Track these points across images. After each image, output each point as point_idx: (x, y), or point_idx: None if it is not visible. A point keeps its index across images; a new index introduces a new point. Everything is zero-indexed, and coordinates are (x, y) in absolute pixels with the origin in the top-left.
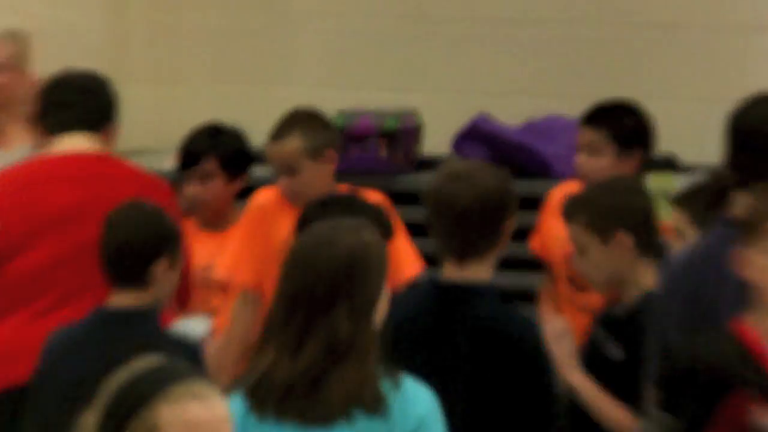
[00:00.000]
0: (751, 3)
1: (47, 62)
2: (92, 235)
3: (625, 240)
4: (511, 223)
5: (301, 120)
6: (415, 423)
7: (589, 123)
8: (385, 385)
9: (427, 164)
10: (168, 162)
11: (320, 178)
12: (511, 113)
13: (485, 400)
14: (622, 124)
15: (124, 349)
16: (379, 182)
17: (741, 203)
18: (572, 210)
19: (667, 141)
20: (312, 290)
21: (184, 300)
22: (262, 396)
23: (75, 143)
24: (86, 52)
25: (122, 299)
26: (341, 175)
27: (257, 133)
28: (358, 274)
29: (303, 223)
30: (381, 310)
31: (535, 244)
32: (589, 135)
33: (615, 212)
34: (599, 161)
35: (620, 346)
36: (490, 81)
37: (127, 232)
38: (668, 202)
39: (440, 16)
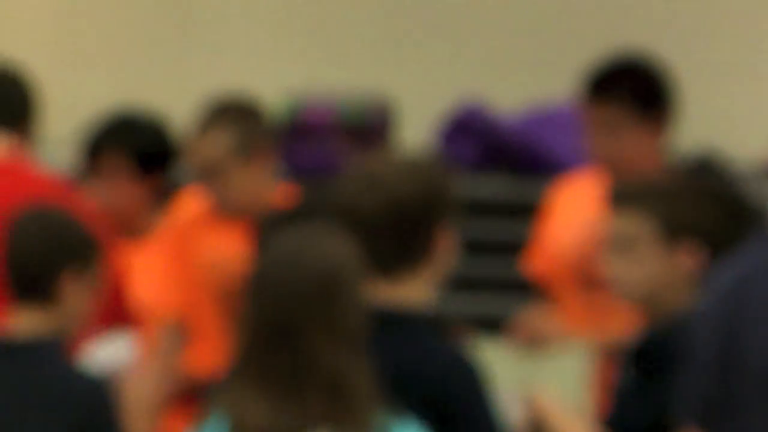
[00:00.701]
0: None
1: None
2: None
3: (694, 254)
4: (446, 233)
5: (230, 111)
6: None
7: (597, 96)
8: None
9: None
10: (64, 154)
11: (254, 182)
12: (507, 97)
13: None
14: (638, 88)
15: (19, 393)
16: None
17: None
18: (637, 200)
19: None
20: (286, 318)
21: (116, 320)
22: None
23: None
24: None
25: (24, 320)
26: (288, 176)
27: (178, 120)
28: (334, 295)
29: (260, 244)
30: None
31: (529, 264)
32: (601, 110)
33: (697, 218)
34: (619, 140)
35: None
36: (479, 56)
37: (28, 240)
38: None
39: None
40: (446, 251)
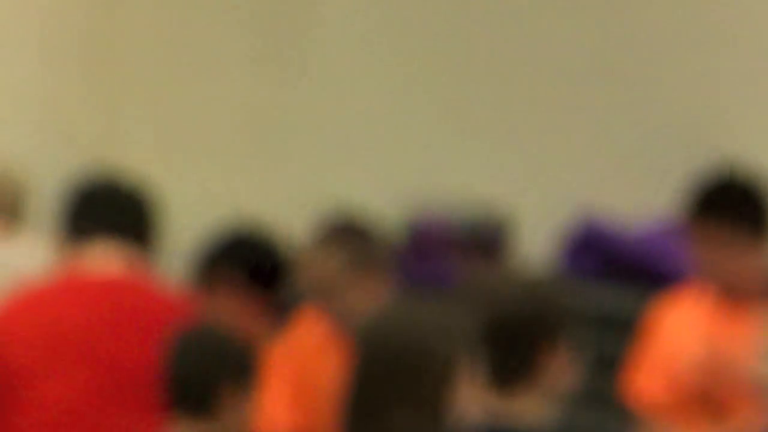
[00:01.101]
0: None
1: None
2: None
3: None
4: (560, 349)
5: (345, 227)
6: None
7: (708, 215)
8: None
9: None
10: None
11: (369, 300)
12: (627, 208)
13: None
14: (748, 207)
15: None
16: None
17: None
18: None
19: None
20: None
21: None
22: None
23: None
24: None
25: None
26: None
27: (286, 231)
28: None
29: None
30: None
31: (634, 383)
32: (712, 229)
33: None
34: (729, 257)
35: None
36: (598, 165)
37: (190, 355)
38: None
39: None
40: (561, 368)
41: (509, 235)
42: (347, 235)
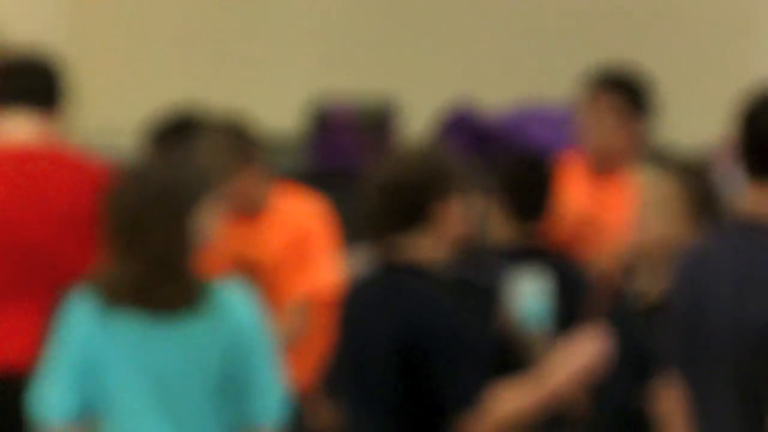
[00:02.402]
0: None
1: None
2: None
3: None
4: (451, 205)
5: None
6: (234, 325)
7: (606, 87)
8: (200, 287)
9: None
10: (127, 141)
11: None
12: (499, 97)
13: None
14: (635, 89)
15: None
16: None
17: (752, 201)
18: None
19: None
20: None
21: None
22: (113, 294)
23: (19, 128)
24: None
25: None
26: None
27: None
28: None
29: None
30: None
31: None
32: (605, 100)
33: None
34: (616, 129)
35: None
36: (475, 61)
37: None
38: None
39: None
40: (453, 220)
41: (397, 119)
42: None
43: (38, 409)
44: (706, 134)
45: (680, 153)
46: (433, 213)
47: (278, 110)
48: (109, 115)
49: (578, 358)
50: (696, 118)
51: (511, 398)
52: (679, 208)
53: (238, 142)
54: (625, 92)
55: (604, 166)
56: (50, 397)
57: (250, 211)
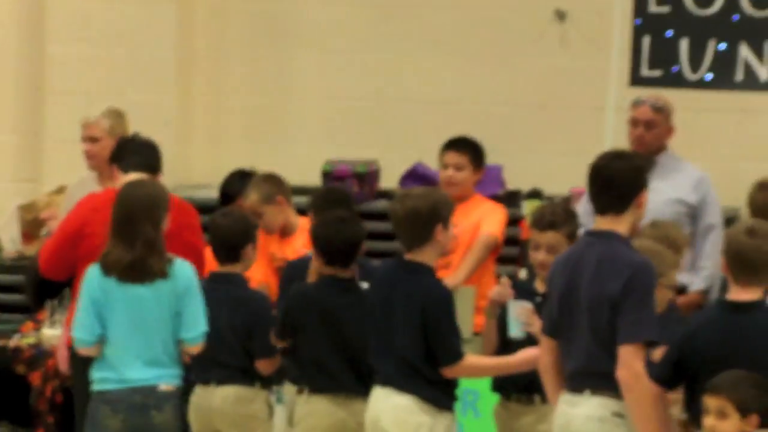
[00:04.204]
0: (601, 88)
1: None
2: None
3: None
4: (443, 229)
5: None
6: (185, 284)
7: (455, 149)
8: (167, 263)
9: (384, 195)
10: (213, 193)
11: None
12: (432, 163)
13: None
14: (477, 150)
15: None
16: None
17: (599, 223)
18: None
19: (535, 179)
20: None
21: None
22: (111, 268)
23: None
24: (160, 124)
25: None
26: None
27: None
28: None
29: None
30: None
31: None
32: (456, 157)
33: None
34: (463, 175)
35: None
36: (424, 142)
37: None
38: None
39: (395, 97)
40: (446, 239)
41: (379, 174)
42: (266, 180)
43: (76, 338)
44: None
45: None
46: (435, 234)
47: (299, 170)
48: (196, 173)
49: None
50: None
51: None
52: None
53: (276, 187)
54: (468, 152)
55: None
56: (81, 331)
57: (285, 233)
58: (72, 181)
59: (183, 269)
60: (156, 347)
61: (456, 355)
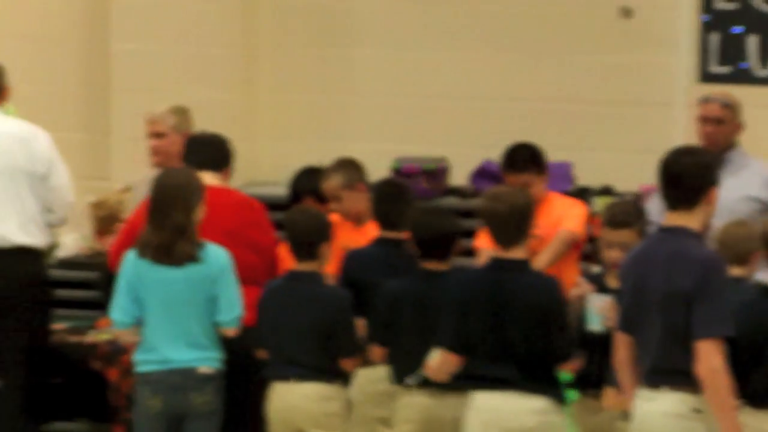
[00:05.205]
0: (669, 85)
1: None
2: (210, 239)
3: None
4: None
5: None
6: (218, 269)
7: (515, 170)
8: (199, 248)
9: (452, 192)
10: (281, 190)
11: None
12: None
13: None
14: (535, 159)
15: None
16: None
17: (670, 219)
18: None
19: (604, 176)
20: (164, 199)
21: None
22: (145, 251)
23: (203, 178)
24: (227, 121)
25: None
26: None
27: None
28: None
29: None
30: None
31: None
32: (519, 178)
33: None
34: (532, 189)
35: None
36: (491, 139)
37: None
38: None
39: (461, 94)
40: (532, 238)
41: (448, 171)
42: (343, 165)
43: (113, 320)
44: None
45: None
46: (528, 230)
47: (365, 167)
48: (266, 169)
49: None
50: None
51: None
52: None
53: (357, 173)
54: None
55: None
56: (117, 313)
57: (359, 222)
58: (140, 178)
59: (216, 254)
60: (193, 329)
61: (572, 350)
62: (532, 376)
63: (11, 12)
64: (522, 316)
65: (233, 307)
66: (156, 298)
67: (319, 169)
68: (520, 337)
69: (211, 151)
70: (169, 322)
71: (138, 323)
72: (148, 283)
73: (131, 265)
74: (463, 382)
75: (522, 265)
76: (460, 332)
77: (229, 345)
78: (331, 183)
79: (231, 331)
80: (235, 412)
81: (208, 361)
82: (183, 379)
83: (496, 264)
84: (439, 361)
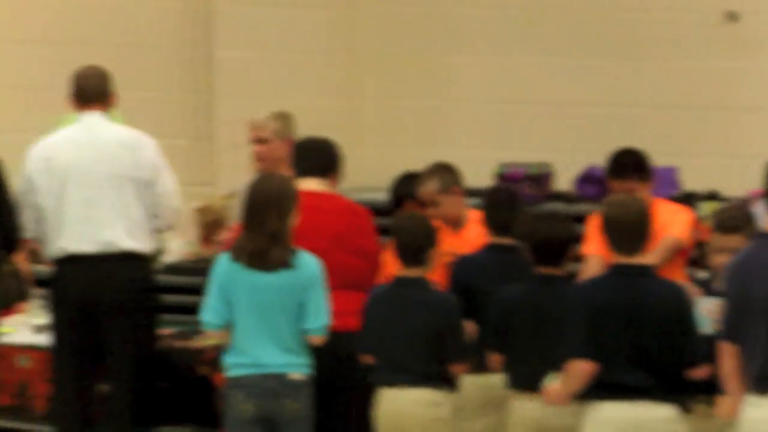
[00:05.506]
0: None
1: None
2: (316, 245)
3: None
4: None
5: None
6: (310, 276)
7: (619, 177)
8: (292, 254)
9: (556, 197)
10: (383, 195)
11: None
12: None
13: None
14: (639, 165)
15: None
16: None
17: None
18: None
19: (710, 181)
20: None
21: None
22: (239, 255)
23: (309, 184)
24: (329, 126)
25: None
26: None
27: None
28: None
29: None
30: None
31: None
32: (624, 185)
33: None
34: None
35: None
36: (594, 144)
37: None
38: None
39: (564, 100)
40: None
41: (552, 177)
42: (440, 170)
43: (204, 321)
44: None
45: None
46: (650, 235)
47: (468, 172)
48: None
49: None
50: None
51: None
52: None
53: (453, 177)
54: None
55: None
56: (208, 314)
57: (457, 226)
58: (243, 183)
59: (308, 262)
60: (284, 334)
61: (699, 354)
62: (664, 383)
63: (116, 19)
64: (655, 322)
65: (321, 316)
66: (248, 302)
67: (417, 174)
68: (654, 343)
69: (318, 157)
70: (261, 326)
71: (228, 326)
72: (240, 286)
73: (224, 268)
74: (591, 390)
75: (649, 271)
76: (593, 340)
77: (332, 350)
78: (427, 188)
79: (317, 339)
80: (338, 417)
81: (300, 367)
82: (277, 384)
83: (622, 270)
84: (557, 387)
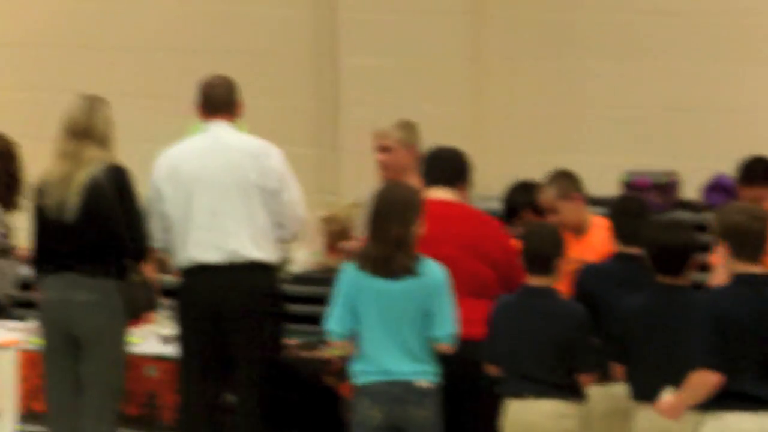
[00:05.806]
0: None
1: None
2: (444, 252)
3: None
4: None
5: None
6: (435, 283)
7: (748, 184)
8: (416, 262)
9: (684, 205)
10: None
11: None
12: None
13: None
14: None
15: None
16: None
17: None
18: None
19: None
20: (385, 212)
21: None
22: (364, 263)
23: (438, 193)
24: (455, 134)
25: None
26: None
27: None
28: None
29: None
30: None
31: None
32: (753, 192)
33: None
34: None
35: None
36: (720, 152)
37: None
38: None
39: (688, 106)
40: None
41: (679, 185)
42: (559, 177)
43: (328, 330)
44: None
45: None
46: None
47: (593, 180)
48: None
49: None
50: None
51: None
52: None
53: (573, 183)
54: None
55: None
56: (332, 323)
57: (579, 232)
58: (369, 192)
59: (433, 269)
60: (410, 342)
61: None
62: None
63: (242, 29)
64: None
65: (447, 323)
66: (373, 309)
67: (532, 183)
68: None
69: (447, 167)
70: (387, 334)
71: (352, 335)
72: (366, 294)
73: (350, 276)
74: (713, 401)
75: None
76: (719, 350)
77: (458, 359)
78: (547, 195)
79: (445, 347)
80: (465, 426)
81: (426, 374)
82: (404, 391)
83: (747, 279)
84: (670, 399)
